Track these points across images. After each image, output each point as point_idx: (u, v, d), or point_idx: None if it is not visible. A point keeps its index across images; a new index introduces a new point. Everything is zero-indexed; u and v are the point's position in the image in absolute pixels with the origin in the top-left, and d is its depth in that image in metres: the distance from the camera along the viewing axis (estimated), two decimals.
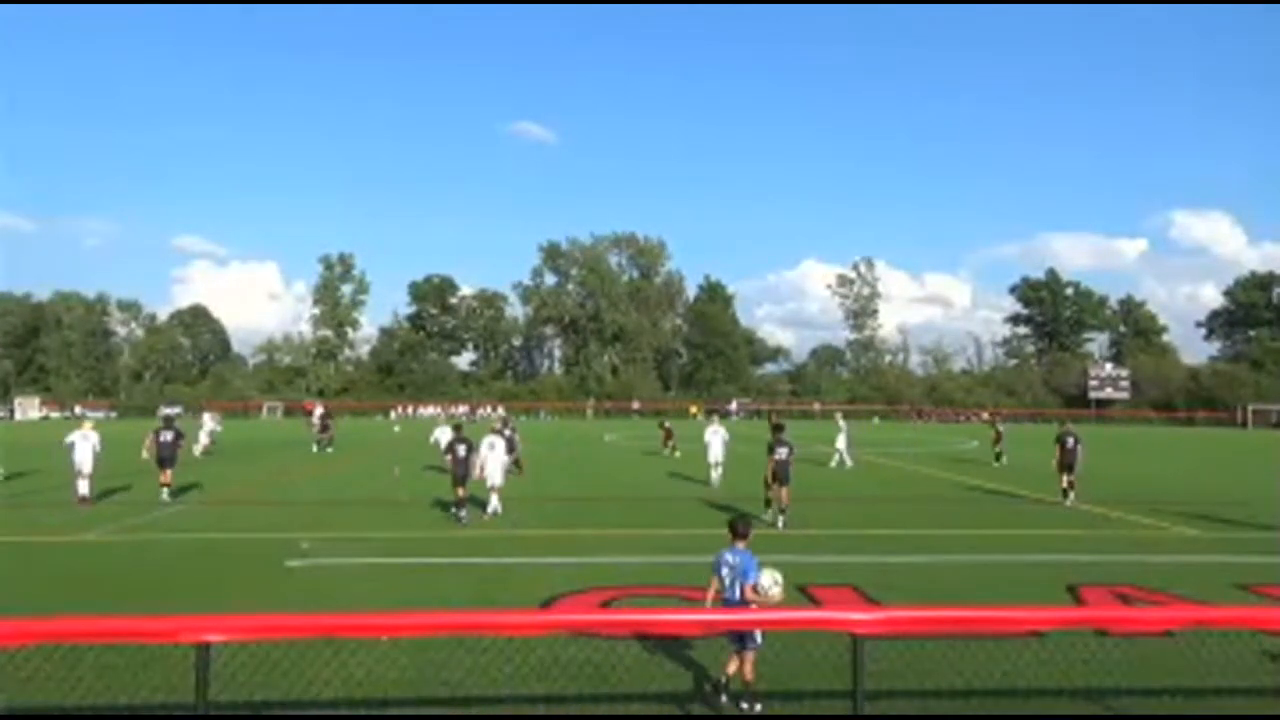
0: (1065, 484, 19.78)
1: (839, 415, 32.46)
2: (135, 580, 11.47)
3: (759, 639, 6.58)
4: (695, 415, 77.00)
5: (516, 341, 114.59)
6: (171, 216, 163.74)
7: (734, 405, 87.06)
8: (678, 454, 32.57)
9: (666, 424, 36.98)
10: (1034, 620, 6.17)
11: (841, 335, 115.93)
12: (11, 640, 4.87)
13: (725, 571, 6.88)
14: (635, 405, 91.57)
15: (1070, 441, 19.93)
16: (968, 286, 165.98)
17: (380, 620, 5.05)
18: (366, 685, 6.52)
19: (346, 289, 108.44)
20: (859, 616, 5.08)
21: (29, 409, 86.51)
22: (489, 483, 17.14)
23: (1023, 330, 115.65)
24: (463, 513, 16.35)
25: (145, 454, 19.60)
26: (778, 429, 16.96)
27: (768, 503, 16.83)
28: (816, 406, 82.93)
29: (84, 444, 19.23)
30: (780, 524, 15.77)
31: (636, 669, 7.20)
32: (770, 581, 6.79)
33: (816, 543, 14.04)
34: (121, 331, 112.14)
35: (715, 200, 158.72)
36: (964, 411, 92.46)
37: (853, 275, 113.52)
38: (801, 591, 10.34)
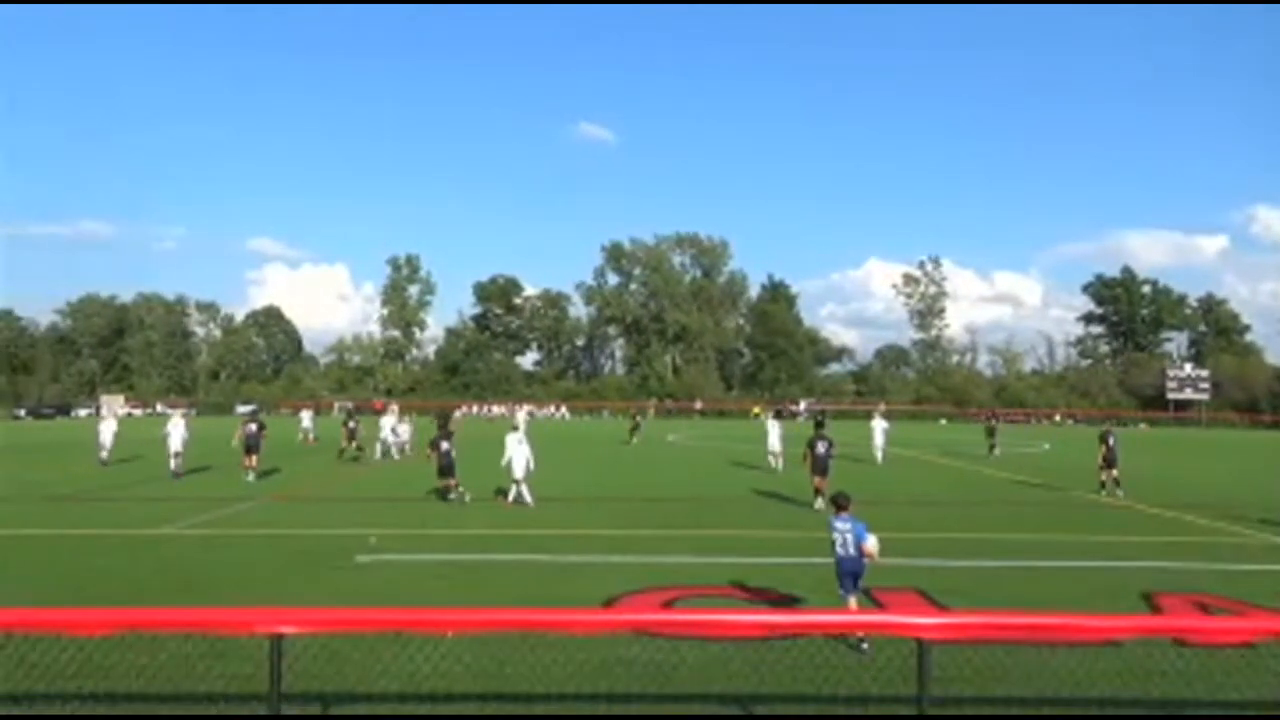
0: (1105, 479, 21.36)
1: (876, 413, 34.73)
2: (212, 573, 11.85)
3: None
4: (758, 415, 76.47)
5: (579, 341, 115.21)
6: (245, 220, 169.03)
7: (802, 405, 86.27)
8: (635, 442, 39.28)
9: (637, 417, 44.49)
10: (1110, 629, 5.99)
11: (907, 335, 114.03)
12: (96, 629, 5.08)
13: (836, 536, 8.48)
14: (698, 405, 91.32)
15: (1111, 440, 21.48)
16: (1038, 285, 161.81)
17: (445, 616, 5.13)
18: (433, 679, 6.63)
19: (413, 290, 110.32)
20: (926, 621, 5.00)
21: (114, 406, 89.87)
22: (514, 475, 18.33)
23: (1097, 330, 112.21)
24: (452, 495, 18.76)
25: (235, 443, 23.60)
26: (818, 425, 19.29)
27: (817, 492, 18.17)
28: (882, 407, 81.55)
29: (175, 431, 24.21)
30: (819, 506, 17.31)
31: (699, 669, 7.19)
32: (874, 541, 8.44)
33: (888, 546, 13.84)
34: (200, 332, 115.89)
35: (778, 199, 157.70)
36: (1035, 412, 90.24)
37: (919, 274, 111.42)
38: (866, 594, 10.21)
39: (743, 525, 16.23)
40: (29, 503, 18.97)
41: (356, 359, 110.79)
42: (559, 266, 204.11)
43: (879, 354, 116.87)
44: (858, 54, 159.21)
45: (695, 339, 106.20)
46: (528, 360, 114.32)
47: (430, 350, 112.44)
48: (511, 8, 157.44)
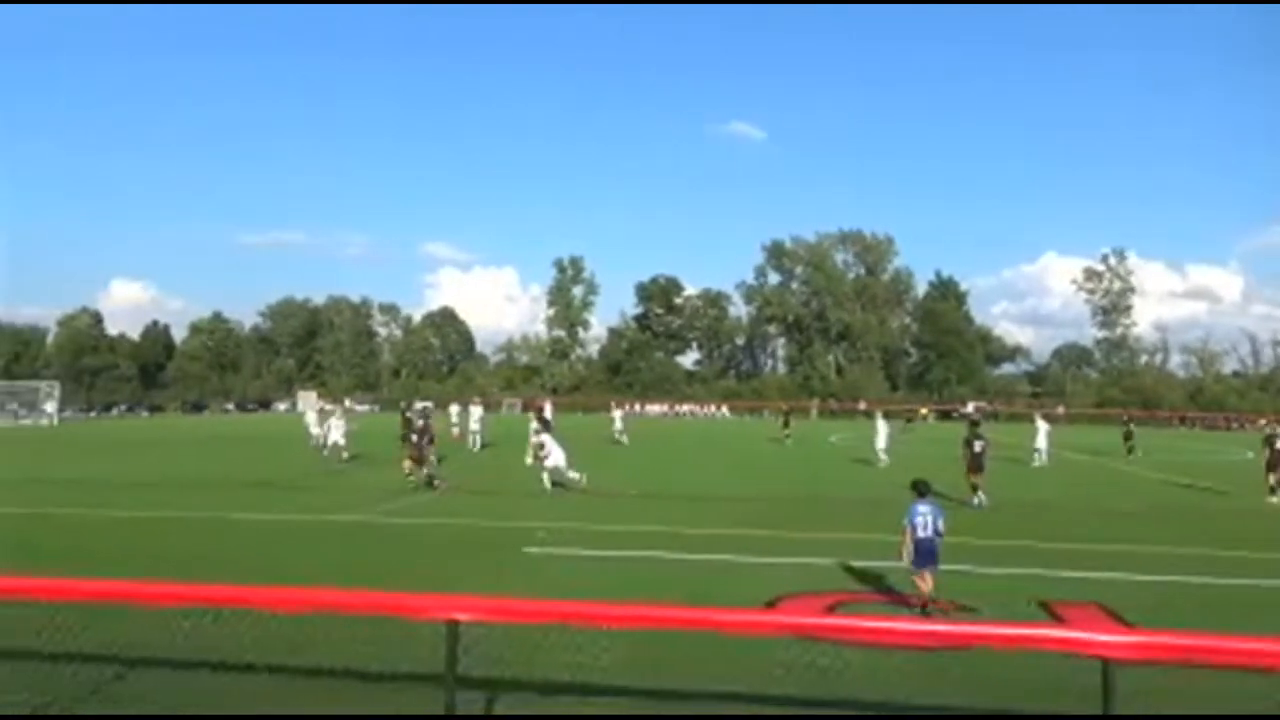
0: (1273, 483, 21.01)
1: (1038, 415, 34.68)
2: (392, 558, 12.65)
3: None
4: (925, 417, 73.89)
5: (740, 340, 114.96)
6: (421, 226, 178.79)
7: (971, 407, 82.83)
8: (788, 442, 39.55)
9: (788, 415, 45.00)
10: None
11: (1089, 334, 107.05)
12: (291, 606, 5.50)
13: (919, 519, 9.60)
14: (862, 405, 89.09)
15: (1278, 443, 21.36)
16: (1238, 279, 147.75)
17: (610, 610, 5.22)
18: (597, 672, 6.79)
19: (578, 290, 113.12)
20: (1112, 639, 4.67)
21: (307, 402, 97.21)
22: (553, 463, 21.07)
23: None
24: (436, 482, 20.94)
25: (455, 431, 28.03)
26: (974, 424, 21.21)
27: (974, 489, 18.87)
28: (1060, 410, 77.05)
29: (337, 425, 27.44)
30: (977, 502, 18.41)
31: (864, 677, 7.02)
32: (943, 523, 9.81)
33: (1056, 556, 13.10)
34: (382, 332, 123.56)
35: (945, 193, 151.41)
36: (1237, 417, 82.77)
37: (1101, 268, 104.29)
38: (1043, 607, 9.70)
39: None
40: (234, 489, 20.77)
41: (524, 358, 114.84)
42: (719, 265, 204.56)
43: (1057, 354, 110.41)
44: (1026, 44, 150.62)
45: (859, 338, 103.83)
46: (688, 359, 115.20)
47: (594, 349, 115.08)
48: (662, 8, 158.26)
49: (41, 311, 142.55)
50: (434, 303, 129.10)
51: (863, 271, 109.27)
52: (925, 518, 9.59)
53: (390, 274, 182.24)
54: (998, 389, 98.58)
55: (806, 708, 6.53)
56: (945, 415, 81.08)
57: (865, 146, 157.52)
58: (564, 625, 6.48)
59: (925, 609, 9.31)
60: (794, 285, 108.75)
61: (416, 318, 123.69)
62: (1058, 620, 9.21)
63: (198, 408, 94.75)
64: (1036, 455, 30.04)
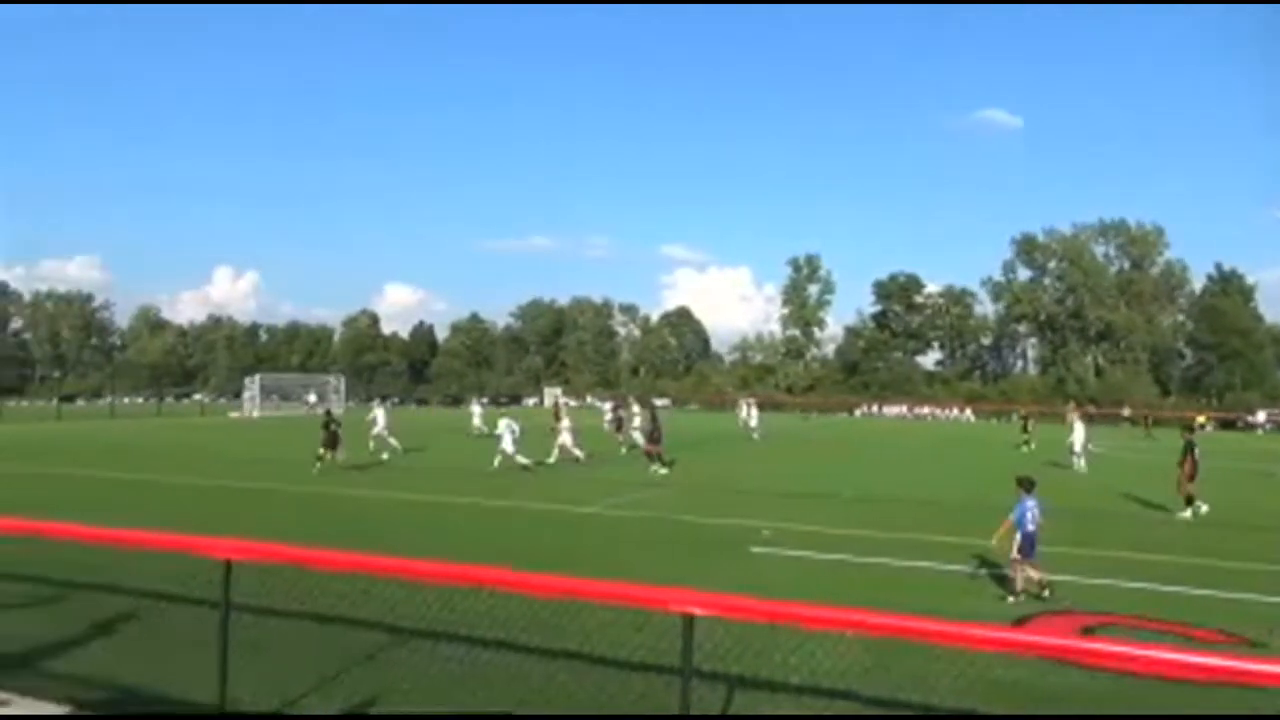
0: None
1: None
2: (626, 549, 13.17)
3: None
4: (1204, 425, 66.44)
5: (986, 340, 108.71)
6: (659, 229, 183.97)
7: (1262, 416, 73.54)
8: (1027, 448, 36.52)
9: (1030, 420, 41.50)
10: None
11: None
12: (535, 590, 5.84)
13: (1028, 514, 10.51)
14: (1125, 412, 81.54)
15: None
16: None
17: (843, 615, 5.11)
18: (833, 676, 6.71)
19: (813, 289, 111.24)
20: None
21: (553, 397, 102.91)
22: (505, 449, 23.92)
23: None
24: (330, 458, 23.14)
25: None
26: (1190, 430, 20.12)
27: (1189, 501, 17.77)
28: None
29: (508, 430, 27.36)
30: (1191, 514, 17.48)
31: (1128, 706, 6.46)
32: None
33: None
34: (622, 332, 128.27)
35: (1225, 175, 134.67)
36: None
37: None
38: None
39: (1167, 550, 14.05)
40: (482, 477, 22.39)
41: (759, 357, 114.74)
42: (963, 261, 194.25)
43: None
44: None
45: (1122, 338, 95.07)
46: (929, 360, 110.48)
47: (829, 349, 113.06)
48: (907, 7, 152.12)
49: (329, 313, 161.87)
50: (671, 303, 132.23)
51: (1127, 265, 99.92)
52: (1034, 513, 10.57)
53: (630, 275, 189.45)
54: None
55: None
56: (1230, 424, 72.26)
57: (1131, 129, 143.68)
58: (792, 626, 6.45)
59: (1042, 596, 10.28)
60: (1046, 281, 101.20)
61: (654, 317, 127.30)
62: None
63: (456, 401, 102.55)
64: None
